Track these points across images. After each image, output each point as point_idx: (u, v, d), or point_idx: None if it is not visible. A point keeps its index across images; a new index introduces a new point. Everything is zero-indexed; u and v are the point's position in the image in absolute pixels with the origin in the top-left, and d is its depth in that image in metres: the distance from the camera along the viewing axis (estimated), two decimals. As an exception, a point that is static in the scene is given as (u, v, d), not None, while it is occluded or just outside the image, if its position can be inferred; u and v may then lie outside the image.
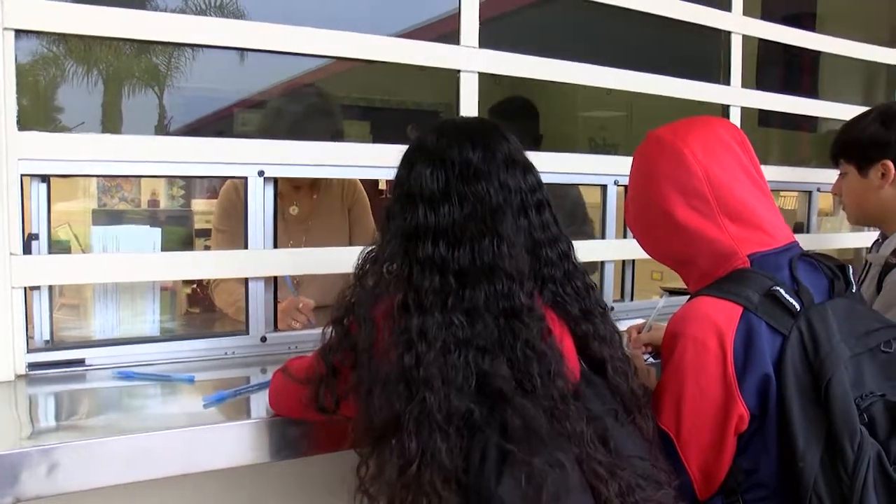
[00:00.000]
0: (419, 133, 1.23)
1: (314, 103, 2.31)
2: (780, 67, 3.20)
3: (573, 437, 1.07)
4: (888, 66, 3.08)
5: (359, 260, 1.20)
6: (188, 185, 3.52)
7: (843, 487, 1.17)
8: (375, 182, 4.52)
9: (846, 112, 2.77)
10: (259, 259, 1.72)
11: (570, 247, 1.25)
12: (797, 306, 1.27)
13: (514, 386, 1.07)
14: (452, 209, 1.14)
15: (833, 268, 1.39)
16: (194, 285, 2.80)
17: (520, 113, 2.86)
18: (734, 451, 1.29)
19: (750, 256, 1.33)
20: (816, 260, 1.39)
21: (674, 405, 1.30)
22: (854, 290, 1.37)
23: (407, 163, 1.21)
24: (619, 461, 1.11)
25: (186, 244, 2.50)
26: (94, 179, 3.00)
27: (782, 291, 1.27)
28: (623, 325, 1.92)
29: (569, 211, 2.69)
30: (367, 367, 1.11)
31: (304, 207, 2.34)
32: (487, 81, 2.02)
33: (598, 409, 1.15)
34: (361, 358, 1.12)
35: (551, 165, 1.96)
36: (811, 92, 3.12)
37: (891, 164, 1.74)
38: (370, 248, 1.20)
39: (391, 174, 1.86)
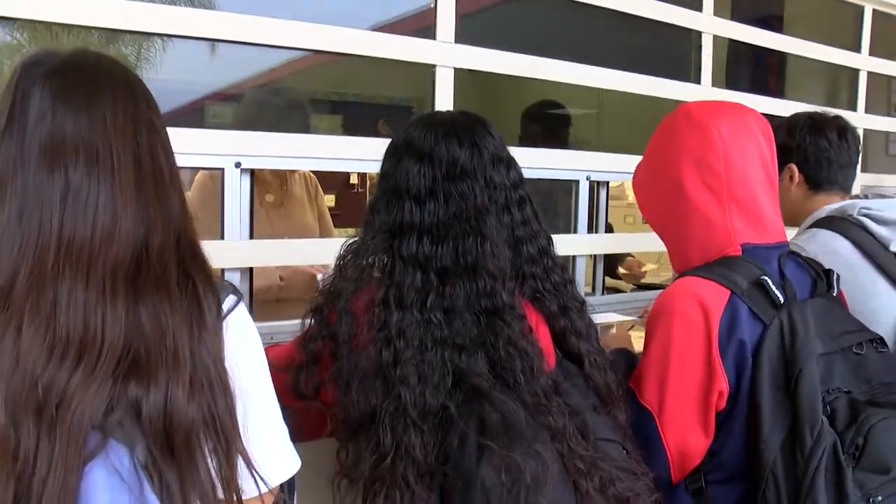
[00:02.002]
0: (406, 126, 1.23)
1: (287, 97, 2.34)
2: (748, 67, 3.26)
3: (555, 432, 1.09)
4: (850, 68, 3.16)
5: (341, 250, 1.21)
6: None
7: (797, 470, 1.22)
8: (347, 176, 4.53)
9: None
10: (236, 249, 1.72)
11: (550, 242, 1.27)
12: (781, 299, 1.31)
13: (491, 382, 1.09)
14: (438, 207, 1.15)
15: (818, 270, 1.44)
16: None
17: (548, 115, 2.93)
18: (713, 433, 1.32)
19: (743, 246, 1.37)
20: (804, 260, 1.45)
21: (657, 382, 1.33)
22: (835, 294, 1.41)
23: (394, 157, 1.22)
24: (600, 454, 1.13)
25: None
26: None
27: (770, 282, 1.31)
28: (596, 319, 1.95)
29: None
30: (346, 360, 1.12)
31: (277, 195, 2.40)
32: (462, 76, 2.03)
33: (579, 403, 1.17)
34: (341, 350, 1.13)
35: (524, 160, 1.96)
36: (778, 92, 3.18)
37: (795, 167, 1.86)
38: (353, 240, 1.21)
39: (365, 167, 1.88)
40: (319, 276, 2.03)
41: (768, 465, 1.24)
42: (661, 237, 1.50)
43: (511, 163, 1.24)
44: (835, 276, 1.42)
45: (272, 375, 1.24)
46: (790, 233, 2.03)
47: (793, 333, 1.28)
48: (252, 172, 1.75)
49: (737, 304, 1.30)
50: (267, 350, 1.32)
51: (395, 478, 1.04)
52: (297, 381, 1.18)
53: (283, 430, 1.00)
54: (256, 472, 0.91)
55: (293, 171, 2.43)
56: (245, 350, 0.94)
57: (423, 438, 1.05)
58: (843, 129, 1.87)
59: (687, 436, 1.32)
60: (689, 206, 1.38)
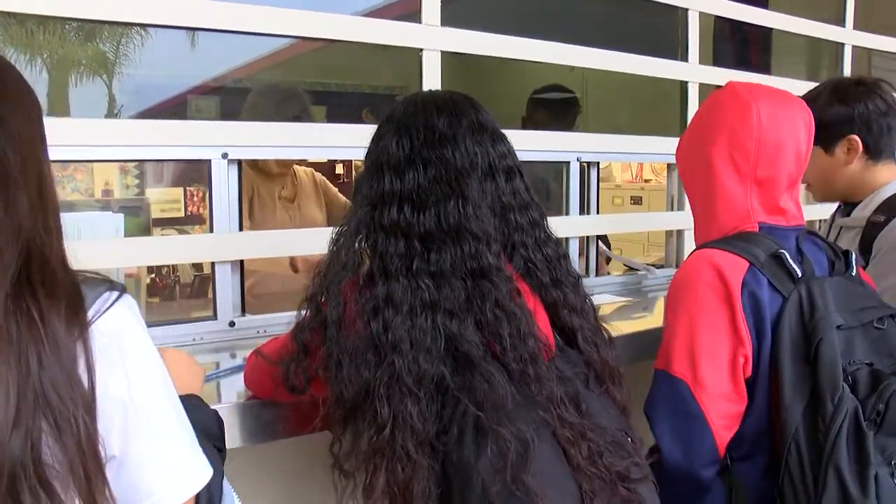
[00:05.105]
0: (391, 108, 1.23)
1: (281, 88, 2.35)
2: (734, 44, 3.25)
3: (543, 399, 1.07)
4: (833, 42, 3.15)
5: (333, 234, 1.20)
6: (142, 174, 3.44)
7: (818, 435, 1.23)
8: (332, 167, 4.50)
9: (799, 89, 2.83)
10: (226, 242, 1.70)
11: (542, 215, 1.25)
12: (799, 273, 1.33)
13: (482, 350, 1.07)
14: (417, 174, 1.14)
15: (837, 250, 1.45)
16: (153, 275, 2.75)
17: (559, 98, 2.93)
18: (746, 399, 1.33)
19: (760, 224, 1.39)
20: (822, 241, 1.46)
21: (686, 350, 1.34)
22: (854, 273, 1.41)
23: (376, 135, 1.22)
24: (589, 423, 1.11)
25: (144, 233, 2.46)
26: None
27: (787, 255, 1.33)
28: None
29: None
30: (335, 340, 1.10)
31: (290, 189, 2.42)
32: (449, 60, 2.01)
33: (570, 373, 1.15)
34: (330, 331, 1.11)
35: (514, 143, 1.95)
36: (764, 68, 3.18)
37: (856, 138, 1.74)
38: (344, 222, 1.20)
39: (351, 154, 1.86)
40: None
41: (790, 433, 1.25)
42: (691, 209, 1.52)
43: (497, 135, 1.22)
44: (853, 256, 1.42)
45: (265, 370, 1.23)
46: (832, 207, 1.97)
47: (812, 305, 1.30)
48: (239, 163, 1.72)
49: (756, 274, 1.32)
50: (266, 343, 1.31)
51: (394, 449, 1.03)
52: (287, 374, 1.16)
53: (182, 443, 0.91)
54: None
55: (298, 166, 2.46)
56: (122, 355, 0.84)
57: (420, 406, 1.04)
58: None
59: (725, 402, 1.32)
60: (713, 179, 1.40)
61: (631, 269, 2.65)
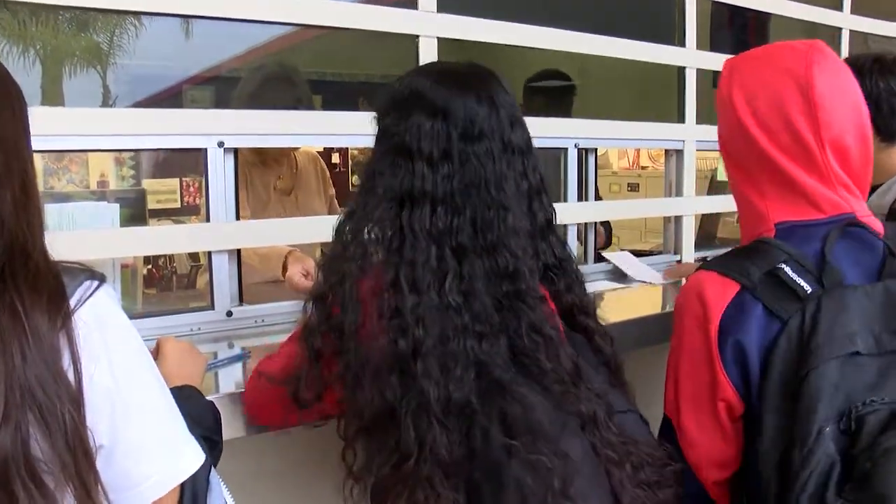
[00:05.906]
0: (407, 77, 1.12)
1: (275, 72, 2.30)
2: (732, 29, 3.24)
3: (586, 421, 1.03)
4: (831, 27, 3.14)
5: (338, 222, 1.09)
6: (137, 164, 3.44)
7: (787, 497, 1.02)
8: (329, 156, 4.49)
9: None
10: (223, 232, 1.68)
11: (555, 213, 1.21)
12: (807, 288, 1.09)
13: (513, 373, 1.01)
14: (453, 172, 1.04)
15: (891, 246, 1.16)
16: (150, 266, 2.75)
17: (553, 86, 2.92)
18: (738, 445, 1.17)
19: (777, 225, 1.18)
20: (874, 234, 1.18)
21: (672, 391, 1.22)
22: None
23: (397, 110, 1.08)
24: (629, 439, 1.07)
25: (140, 224, 2.45)
26: (41, 162, 2.90)
27: (787, 270, 1.10)
28: (588, 288, 1.93)
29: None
30: (353, 354, 1.02)
31: (288, 180, 2.36)
32: (445, 48, 1.99)
33: (600, 386, 1.10)
34: (347, 343, 1.03)
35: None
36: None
37: None
38: (350, 210, 1.09)
39: (349, 141, 1.84)
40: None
41: (762, 487, 1.06)
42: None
43: (524, 124, 1.15)
44: None
45: (270, 392, 1.14)
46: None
47: (814, 328, 1.04)
48: (235, 152, 1.71)
49: (745, 299, 1.11)
50: (261, 362, 1.21)
51: (418, 479, 0.96)
52: (297, 390, 1.07)
53: (171, 428, 0.91)
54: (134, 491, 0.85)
55: (298, 154, 2.40)
56: (105, 343, 0.84)
57: (449, 436, 0.97)
58: None
59: (710, 448, 1.18)
60: (732, 184, 1.26)
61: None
